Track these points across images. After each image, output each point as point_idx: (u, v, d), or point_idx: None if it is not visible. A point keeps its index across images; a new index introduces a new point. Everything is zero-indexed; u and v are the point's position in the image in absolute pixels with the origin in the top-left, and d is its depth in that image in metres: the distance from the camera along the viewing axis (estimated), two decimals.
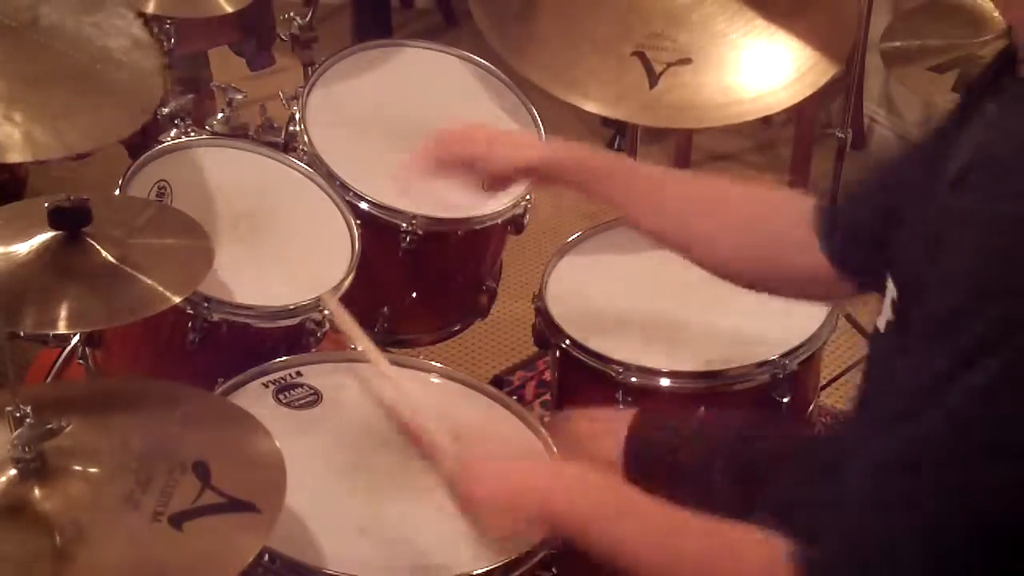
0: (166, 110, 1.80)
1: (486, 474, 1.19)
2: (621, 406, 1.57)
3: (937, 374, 0.84)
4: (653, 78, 1.79)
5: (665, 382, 1.57)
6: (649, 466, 1.39)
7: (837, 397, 2.47)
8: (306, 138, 1.78)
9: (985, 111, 0.93)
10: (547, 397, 2.19)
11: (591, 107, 1.79)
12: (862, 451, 0.91)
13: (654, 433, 1.42)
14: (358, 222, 1.70)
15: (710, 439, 1.40)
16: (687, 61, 1.80)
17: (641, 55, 1.80)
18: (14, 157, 1.26)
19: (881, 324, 0.99)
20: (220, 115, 1.82)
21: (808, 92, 1.81)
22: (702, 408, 1.45)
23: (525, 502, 1.16)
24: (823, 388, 2.14)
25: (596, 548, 1.07)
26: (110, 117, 1.36)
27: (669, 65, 1.79)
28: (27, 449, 1.01)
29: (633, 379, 1.56)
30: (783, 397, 1.58)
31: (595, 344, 1.60)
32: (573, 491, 1.13)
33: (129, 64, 1.40)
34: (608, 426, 1.44)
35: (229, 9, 1.92)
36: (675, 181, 1.39)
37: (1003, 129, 0.88)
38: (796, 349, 1.60)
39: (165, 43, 1.89)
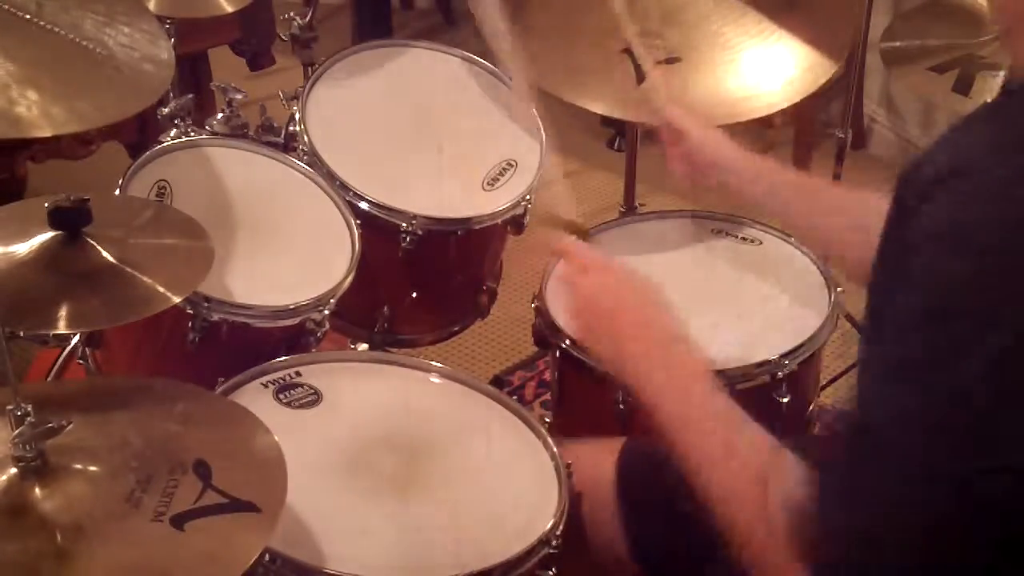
0: (166, 110, 1.80)
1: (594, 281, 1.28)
2: (621, 406, 1.57)
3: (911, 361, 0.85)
4: (640, 75, 1.78)
5: None
6: (644, 479, 1.39)
7: (837, 397, 2.47)
8: (306, 138, 1.78)
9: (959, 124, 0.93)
10: (547, 397, 2.19)
11: (576, 100, 1.79)
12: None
13: (647, 455, 1.42)
14: (358, 222, 1.70)
15: None
16: (676, 60, 1.80)
17: (630, 52, 1.80)
18: (35, 132, 1.26)
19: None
20: (220, 115, 1.82)
21: (799, 97, 1.81)
22: None
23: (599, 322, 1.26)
24: (823, 388, 2.14)
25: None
26: (123, 93, 1.36)
27: (657, 63, 1.79)
28: (28, 448, 1.01)
29: None
30: (783, 397, 1.58)
31: None
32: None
33: (138, 48, 1.40)
34: (598, 447, 1.44)
35: (229, 9, 1.92)
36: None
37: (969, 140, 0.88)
38: (796, 349, 1.60)
39: None
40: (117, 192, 1.57)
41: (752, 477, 1.02)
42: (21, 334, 1.52)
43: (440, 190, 1.82)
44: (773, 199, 1.56)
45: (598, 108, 1.83)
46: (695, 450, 1.09)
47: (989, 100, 1.01)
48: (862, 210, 1.37)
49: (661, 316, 1.25)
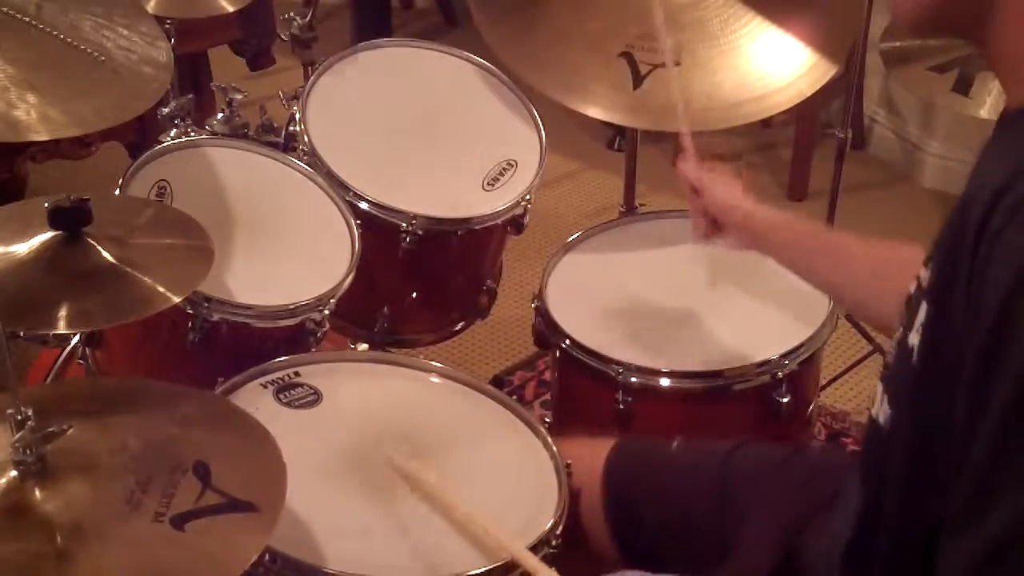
0: (166, 110, 1.80)
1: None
2: (621, 406, 1.57)
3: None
4: (637, 79, 1.78)
5: (665, 382, 1.57)
6: (631, 478, 1.39)
7: (837, 397, 2.47)
8: (306, 138, 1.78)
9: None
10: (547, 397, 2.19)
11: (575, 104, 1.79)
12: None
13: (634, 457, 1.42)
14: (358, 222, 1.70)
15: (692, 461, 1.40)
16: (675, 63, 1.80)
17: (628, 55, 1.80)
18: (33, 136, 1.27)
19: (914, 344, 0.93)
20: (220, 115, 1.82)
21: (798, 100, 1.80)
22: (677, 440, 1.44)
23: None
24: (823, 388, 2.14)
25: None
26: (121, 97, 1.36)
27: (655, 67, 1.79)
28: (28, 452, 1.01)
29: (633, 379, 1.56)
30: (783, 397, 1.58)
31: (595, 344, 1.60)
32: None
33: (136, 51, 1.41)
34: (591, 445, 1.44)
35: (229, 9, 1.93)
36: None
37: None
38: (796, 349, 1.60)
39: None
40: (117, 192, 1.57)
41: None
42: (21, 334, 1.52)
43: (440, 190, 1.82)
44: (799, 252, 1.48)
45: (595, 112, 1.83)
46: None
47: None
48: (889, 264, 1.34)
49: None
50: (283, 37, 1.99)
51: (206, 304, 1.51)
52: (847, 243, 1.43)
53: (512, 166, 1.86)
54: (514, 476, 1.37)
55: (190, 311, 1.50)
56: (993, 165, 0.85)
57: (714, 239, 1.55)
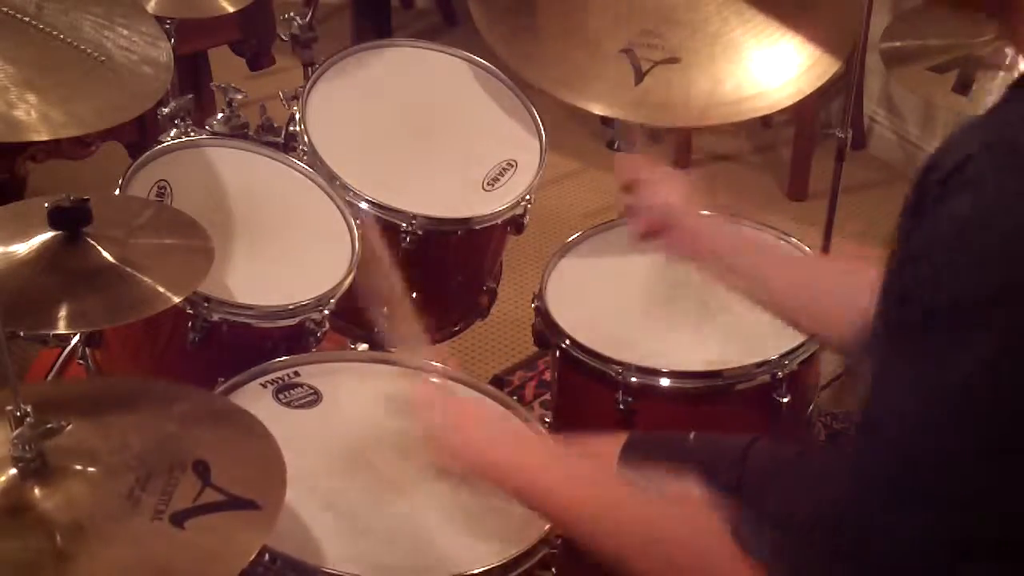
0: (166, 110, 1.80)
1: (472, 436, 1.21)
2: (621, 406, 1.57)
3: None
4: (639, 75, 1.79)
5: (665, 382, 1.57)
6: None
7: (837, 397, 2.47)
8: (306, 138, 1.78)
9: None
10: (547, 397, 2.19)
11: (576, 101, 1.79)
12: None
13: (651, 450, 1.42)
14: (358, 222, 1.70)
15: (709, 455, 1.39)
16: (675, 60, 1.80)
17: (629, 52, 1.80)
18: (33, 136, 1.27)
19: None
20: (220, 115, 1.82)
21: (799, 97, 1.80)
22: (692, 434, 1.44)
23: (503, 478, 1.18)
24: (823, 388, 2.14)
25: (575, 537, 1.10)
26: (121, 97, 1.36)
27: (656, 63, 1.79)
28: (27, 449, 1.01)
29: (633, 379, 1.56)
30: (783, 397, 1.58)
31: (595, 344, 1.60)
32: (557, 482, 1.13)
33: (136, 51, 1.41)
34: (600, 443, 1.43)
35: (229, 9, 1.92)
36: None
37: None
38: (796, 349, 1.60)
39: None
40: (117, 192, 1.58)
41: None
42: (21, 334, 1.52)
43: (440, 190, 1.82)
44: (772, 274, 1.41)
45: (596, 108, 1.83)
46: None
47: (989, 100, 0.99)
48: (854, 288, 1.35)
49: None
50: (283, 37, 1.99)
51: (206, 304, 1.51)
52: (789, 259, 1.47)
53: (512, 166, 1.86)
54: None
55: (190, 311, 1.50)
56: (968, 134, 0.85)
57: (649, 243, 1.44)
